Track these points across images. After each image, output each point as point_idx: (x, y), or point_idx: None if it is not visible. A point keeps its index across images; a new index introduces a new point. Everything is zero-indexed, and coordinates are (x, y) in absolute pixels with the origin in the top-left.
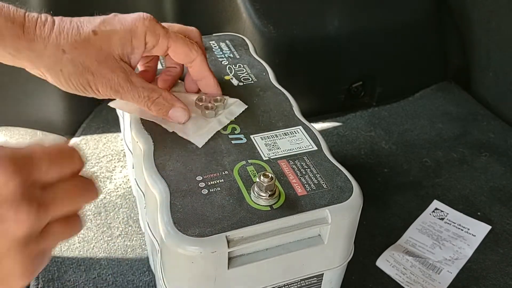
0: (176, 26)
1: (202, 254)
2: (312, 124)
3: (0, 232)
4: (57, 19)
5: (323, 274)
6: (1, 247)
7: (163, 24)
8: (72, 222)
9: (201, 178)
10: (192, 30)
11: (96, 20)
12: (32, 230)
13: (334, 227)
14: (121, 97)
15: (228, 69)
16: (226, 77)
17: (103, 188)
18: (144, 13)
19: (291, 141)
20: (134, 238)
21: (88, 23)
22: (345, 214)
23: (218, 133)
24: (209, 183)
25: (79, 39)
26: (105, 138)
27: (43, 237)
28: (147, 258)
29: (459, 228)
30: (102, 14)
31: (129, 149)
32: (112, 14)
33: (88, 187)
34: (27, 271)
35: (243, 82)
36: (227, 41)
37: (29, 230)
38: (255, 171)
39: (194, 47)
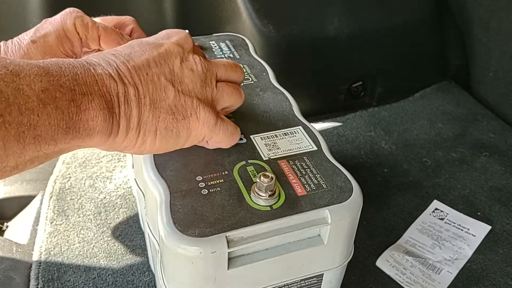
0: (109, 18)
1: (202, 254)
2: (312, 124)
3: (187, 67)
4: (2, 44)
5: (323, 274)
6: (190, 82)
7: (97, 18)
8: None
9: (201, 178)
10: (126, 17)
11: (31, 30)
12: (206, 75)
13: (334, 227)
14: None
15: None
16: None
17: (103, 188)
18: (71, 8)
19: (291, 141)
20: (134, 238)
21: (26, 36)
22: (345, 214)
23: None
24: (209, 183)
25: (23, 54)
26: None
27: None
28: (147, 258)
29: (459, 228)
30: (103, 15)
31: None
32: (43, 20)
33: (235, 67)
34: (210, 116)
35: (243, 82)
36: (227, 41)
37: (204, 72)
38: (255, 171)
39: (124, 36)
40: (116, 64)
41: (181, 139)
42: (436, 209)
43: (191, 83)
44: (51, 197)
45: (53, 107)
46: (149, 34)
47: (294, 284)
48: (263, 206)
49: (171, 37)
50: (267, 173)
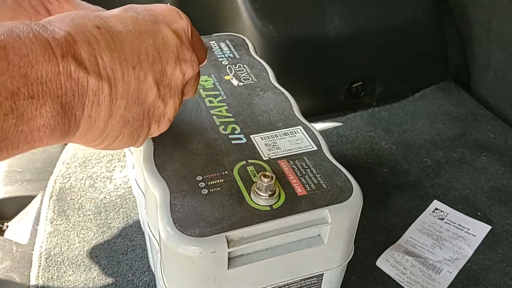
0: None
1: (202, 254)
2: (312, 124)
3: (180, 70)
4: None
5: (323, 274)
6: (175, 87)
7: None
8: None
9: (201, 178)
10: None
11: None
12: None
13: (334, 227)
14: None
15: (228, 69)
16: (226, 77)
17: (103, 188)
18: None
19: (291, 141)
20: (134, 238)
21: None
22: (345, 214)
23: (218, 133)
24: (209, 183)
25: None
26: None
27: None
28: (147, 258)
29: (459, 228)
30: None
31: (129, 149)
32: None
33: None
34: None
35: (243, 82)
36: (227, 41)
37: (192, 76)
38: (255, 171)
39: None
40: (100, 47)
41: (137, 143)
42: (436, 209)
43: (176, 89)
44: (51, 197)
45: None
46: None
47: (294, 284)
48: (263, 206)
49: (171, 21)
50: (267, 173)
